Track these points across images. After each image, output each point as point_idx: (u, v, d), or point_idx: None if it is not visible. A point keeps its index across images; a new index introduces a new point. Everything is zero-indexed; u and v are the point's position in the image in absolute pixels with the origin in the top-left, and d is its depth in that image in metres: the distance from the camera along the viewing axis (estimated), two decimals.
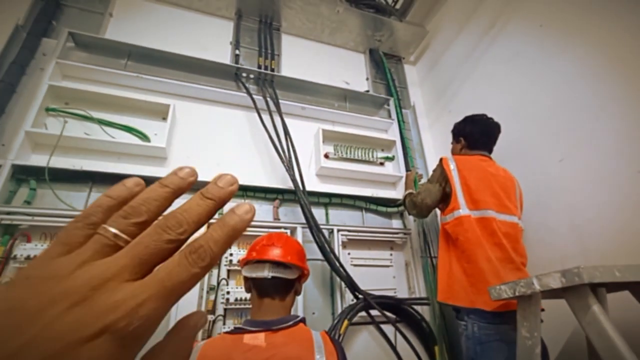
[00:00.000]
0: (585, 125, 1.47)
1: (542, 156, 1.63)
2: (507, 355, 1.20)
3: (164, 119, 1.75)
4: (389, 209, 2.13)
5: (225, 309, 1.54)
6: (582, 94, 1.50)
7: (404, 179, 1.96)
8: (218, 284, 1.56)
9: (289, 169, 1.79)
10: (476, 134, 1.59)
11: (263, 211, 1.88)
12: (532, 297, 1.05)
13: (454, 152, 1.67)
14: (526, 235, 1.51)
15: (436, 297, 1.49)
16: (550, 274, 0.96)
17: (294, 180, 1.76)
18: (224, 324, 1.52)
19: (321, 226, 1.81)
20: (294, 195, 1.79)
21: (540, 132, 1.66)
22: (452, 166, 1.47)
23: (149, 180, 0.22)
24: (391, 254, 2.01)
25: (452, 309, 1.44)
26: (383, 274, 1.94)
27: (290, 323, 0.98)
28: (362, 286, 1.79)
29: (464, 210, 1.40)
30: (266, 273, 1.03)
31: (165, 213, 0.23)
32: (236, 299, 1.53)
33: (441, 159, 1.52)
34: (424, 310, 1.80)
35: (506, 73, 1.95)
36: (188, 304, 1.44)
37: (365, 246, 1.98)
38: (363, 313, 1.65)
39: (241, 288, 1.54)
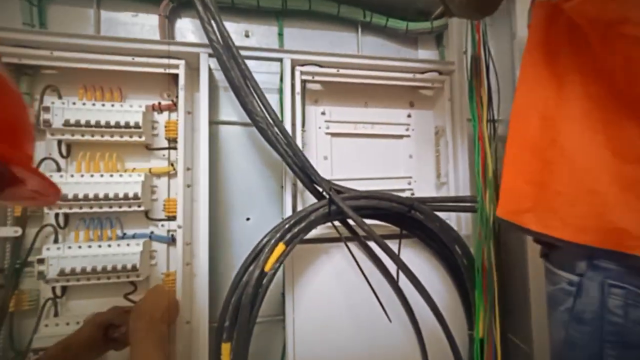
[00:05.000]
0: None
1: None
2: None
3: None
4: (414, 25, 1.05)
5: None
6: None
7: None
8: None
9: None
10: None
11: (140, 27, 0.93)
12: None
13: None
14: None
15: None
16: None
17: None
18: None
19: (267, 54, 0.88)
20: None
21: None
22: None
23: None
24: (409, 115, 1.05)
25: (536, 241, 0.56)
26: (391, 150, 1.03)
27: None
28: (347, 172, 0.95)
29: None
30: None
31: None
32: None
33: None
34: (461, 222, 0.93)
35: None
36: None
37: (360, 98, 1.02)
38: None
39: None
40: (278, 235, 0.70)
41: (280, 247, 0.69)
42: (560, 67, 0.50)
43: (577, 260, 0.46)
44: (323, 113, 0.98)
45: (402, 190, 1.00)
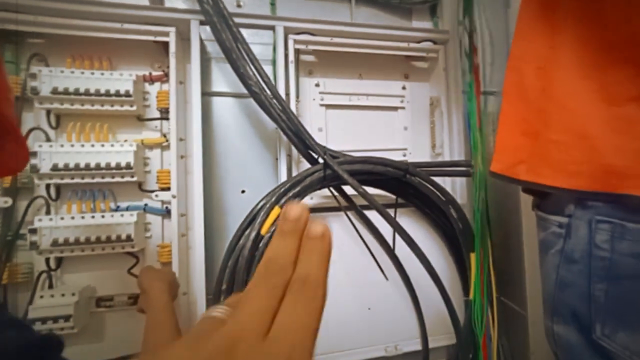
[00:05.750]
0: None
1: None
2: None
3: None
4: None
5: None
6: None
7: None
8: None
9: None
10: None
11: None
12: None
13: None
14: None
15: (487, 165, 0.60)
16: None
17: None
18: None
19: (260, 21, 0.86)
20: None
21: None
22: None
23: None
24: (404, 87, 1.05)
25: (525, 190, 0.57)
26: (385, 122, 1.02)
27: None
28: (342, 144, 0.94)
29: None
30: None
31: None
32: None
33: None
34: (456, 190, 0.94)
35: None
36: None
37: (354, 70, 1.01)
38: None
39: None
40: (273, 199, 0.70)
41: (276, 210, 0.69)
42: (556, 15, 0.50)
43: (567, 204, 0.46)
44: (317, 85, 0.97)
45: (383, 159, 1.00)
